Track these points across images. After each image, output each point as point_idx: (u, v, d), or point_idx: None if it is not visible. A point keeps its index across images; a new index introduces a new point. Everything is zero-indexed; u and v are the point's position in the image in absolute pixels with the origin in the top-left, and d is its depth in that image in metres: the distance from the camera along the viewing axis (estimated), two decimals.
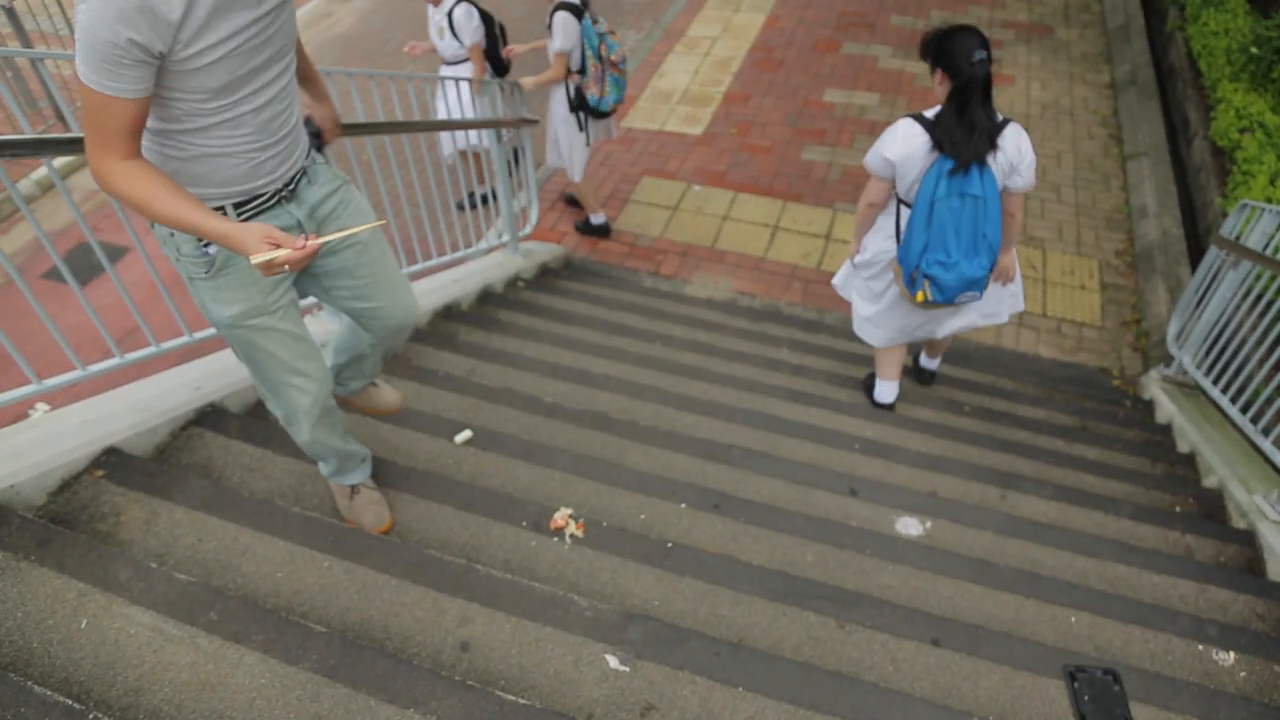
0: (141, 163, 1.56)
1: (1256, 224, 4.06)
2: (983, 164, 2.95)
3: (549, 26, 4.69)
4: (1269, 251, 3.97)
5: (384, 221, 1.87)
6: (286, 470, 2.50)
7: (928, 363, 4.21)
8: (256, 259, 1.50)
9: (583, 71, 4.85)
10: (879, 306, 3.57)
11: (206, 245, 1.77)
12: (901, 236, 3.21)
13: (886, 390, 3.96)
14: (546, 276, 5.26)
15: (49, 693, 1.55)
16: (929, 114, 3.03)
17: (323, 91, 2.19)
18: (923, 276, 3.13)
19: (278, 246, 1.52)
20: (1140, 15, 8.47)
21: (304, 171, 1.91)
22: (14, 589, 1.84)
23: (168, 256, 1.84)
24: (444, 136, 5.23)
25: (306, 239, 1.55)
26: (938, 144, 2.96)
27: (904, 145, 3.03)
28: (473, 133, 5.08)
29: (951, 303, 3.19)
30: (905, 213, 3.21)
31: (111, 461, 2.30)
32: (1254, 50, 5.96)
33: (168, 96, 1.53)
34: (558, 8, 4.61)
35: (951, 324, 3.58)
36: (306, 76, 2.12)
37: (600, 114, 5.05)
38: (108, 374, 2.52)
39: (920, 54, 3.05)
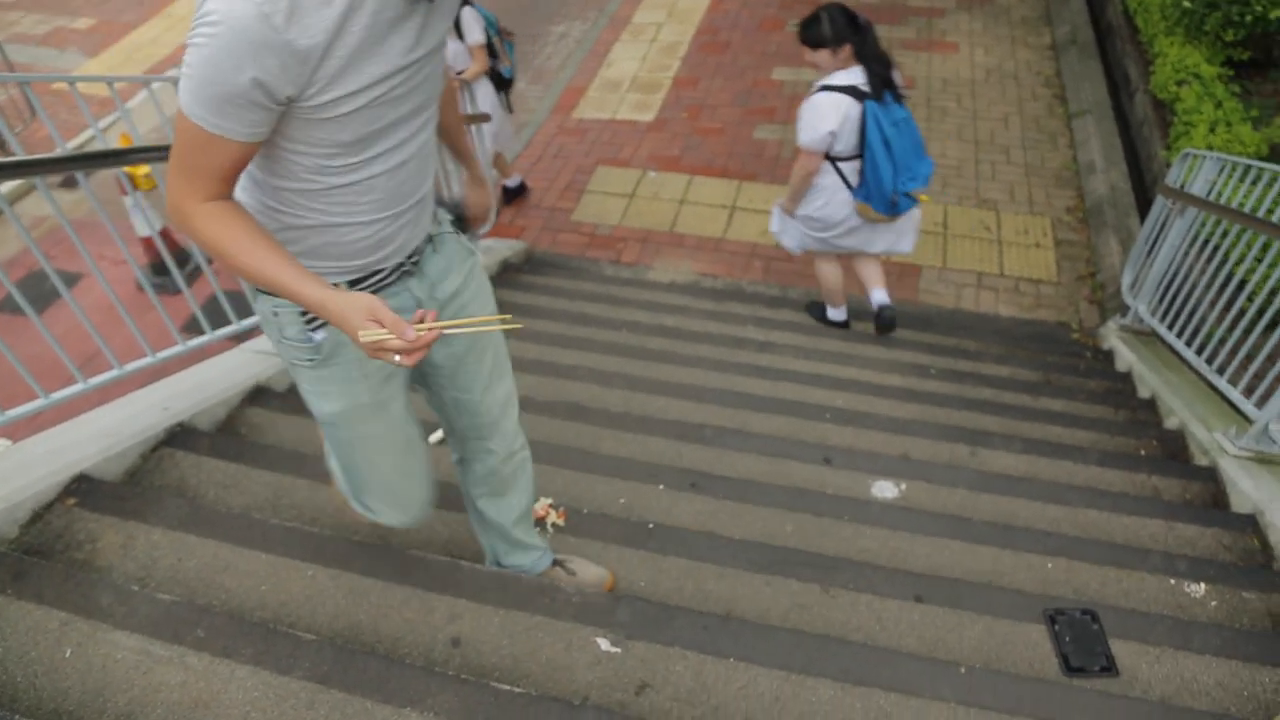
0: (230, 204, 1.33)
1: (1199, 171, 4.16)
2: (895, 94, 3.69)
3: (456, 26, 4.81)
4: (1212, 197, 4.07)
5: (520, 325, 1.53)
6: (262, 484, 2.49)
7: (881, 296, 4.48)
8: (366, 336, 1.27)
9: (494, 54, 5.08)
10: (828, 236, 4.17)
11: (313, 328, 1.53)
12: (858, 181, 3.84)
13: (839, 312, 4.67)
14: (508, 272, 5.25)
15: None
16: (835, 81, 3.73)
17: (473, 165, 1.96)
18: (902, 195, 3.78)
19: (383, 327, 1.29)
20: None
21: (429, 239, 1.65)
22: None
23: (269, 337, 1.61)
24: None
25: (422, 321, 1.31)
26: (861, 96, 3.63)
27: (836, 113, 3.67)
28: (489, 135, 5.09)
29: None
30: (844, 167, 3.85)
31: (82, 489, 2.27)
32: (1186, 4, 6.08)
33: (287, 148, 1.31)
34: (465, 3, 4.80)
35: (881, 242, 4.18)
36: (451, 131, 1.86)
37: (510, 82, 5.33)
38: (72, 401, 2.50)
39: (814, 42, 3.76)
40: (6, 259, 5.83)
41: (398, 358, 1.28)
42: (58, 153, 2.46)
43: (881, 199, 3.78)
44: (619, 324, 4.46)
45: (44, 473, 2.23)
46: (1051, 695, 1.99)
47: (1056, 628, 2.29)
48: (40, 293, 5.20)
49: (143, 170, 4.90)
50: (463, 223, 1.86)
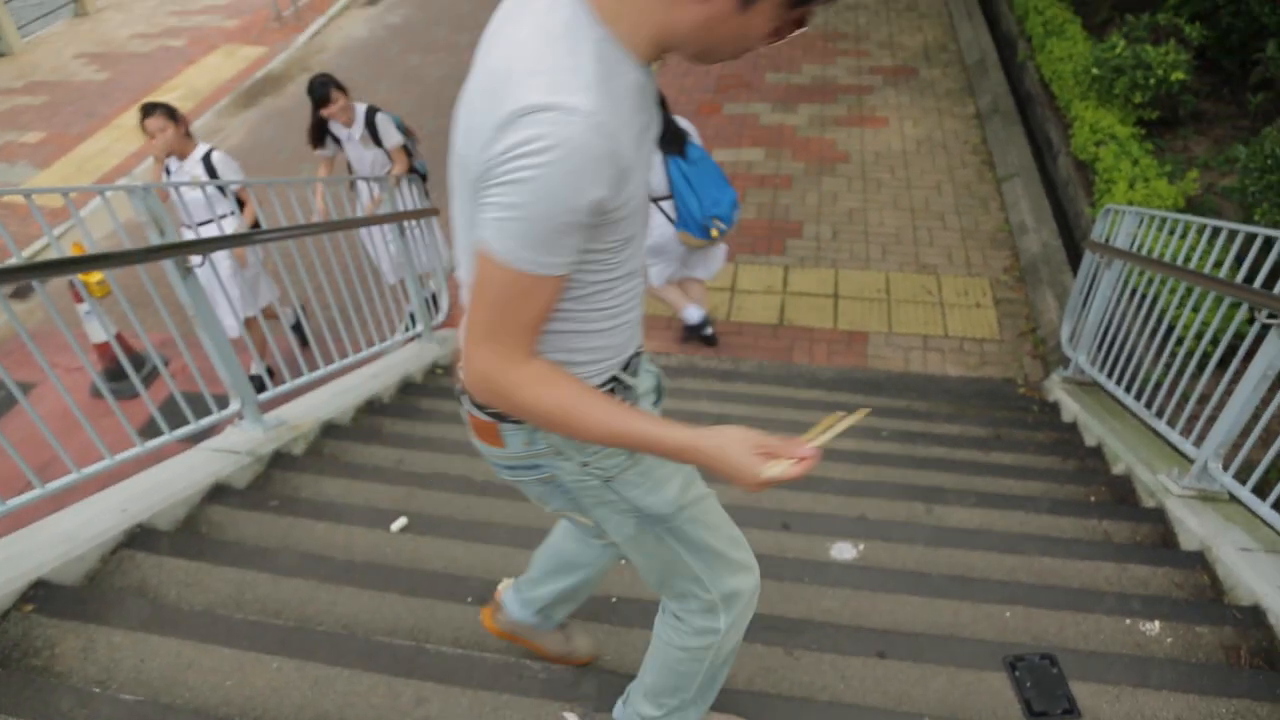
0: (549, 364, 1.22)
1: (1120, 225, 4.38)
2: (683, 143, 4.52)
3: (372, 133, 5.14)
4: (1135, 248, 4.28)
5: (869, 410, 1.46)
6: (224, 580, 2.49)
7: (697, 314, 5.43)
8: (769, 471, 1.18)
9: (410, 153, 5.39)
10: (671, 263, 4.99)
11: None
12: (676, 216, 4.66)
13: (693, 311, 5.39)
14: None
15: None
16: None
17: None
18: (711, 219, 4.55)
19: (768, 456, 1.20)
20: (993, 50, 9.08)
21: None
22: None
23: (558, 472, 1.47)
24: (386, 266, 5.32)
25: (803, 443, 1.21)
26: (660, 149, 4.49)
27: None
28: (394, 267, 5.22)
29: (727, 231, 4.64)
30: (664, 205, 4.68)
31: (40, 594, 2.26)
32: (1094, 71, 6.45)
33: (583, 261, 1.20)
34: (371, 113, 5.15)
35: (700, 268, 5.09)
36: None
37: (425, 177, 5.65)
38: (30, 507, 2.49)
39: None
40: None
41: (772, 468, 1.20)
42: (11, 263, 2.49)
43: (696, 226, 4.62)
44: None
45: (1, 580, 2.22)
46: None
47: (1017, 674, 2.34)
48: None
49: (95, 277, 4.93)
50: None
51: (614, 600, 2.51)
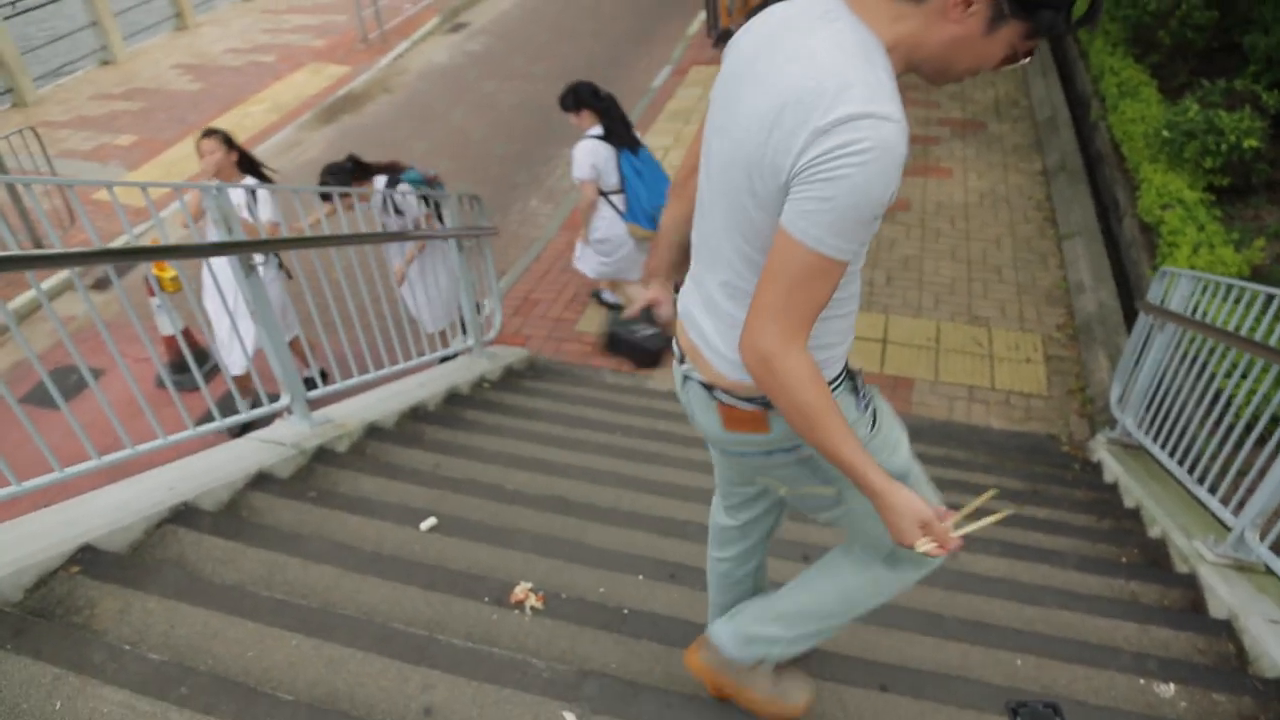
0: (816, 365, 1.36)
1: (1176, 288, 4.34)
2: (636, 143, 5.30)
3: (396, 209, 5.11)
4: (1189, 312, 4.24)
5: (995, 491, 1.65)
6: (257, 560, 2.61)
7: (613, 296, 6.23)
8: (921, 547, 1.40)
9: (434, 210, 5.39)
10: (611, 260, 5.61)
11: (865, 406, 1.62)
12: (626, 208, 5.33)
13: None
14: (511, 377, 5.44)
15: None
16: (593, 134, 5.24)
17: None
18: (658, 209, 4.97)
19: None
20: (1065, 108, 9.04)
21: None
22: None
23: (789, 443, 1.61)
24: (426, 317, 5.29)
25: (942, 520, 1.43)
26: (615, 144, 5.21)
27: (598, 154, 5.20)
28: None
29: None
30: (614, 199, 5.33)
31: (86, 558, 2.40)
32: (1165, 134, 6.40)
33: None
34: (392, 183, 5.13)
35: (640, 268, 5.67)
36: None
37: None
38: (87, 477, 2.65)
39: (565, 107, 5.27)
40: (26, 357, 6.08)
41: (924, 544, 1.42)
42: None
43: (645, 217, 5.22)
44: (615, 427, 4.60)
45: (51, 542, 2.37)
46: None
47: (1018, 718, 2.33)
48: (65, 386, 5.46)
49: (169, 273, 5.18)
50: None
51: (626, 612, 2.57)
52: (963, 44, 1.29)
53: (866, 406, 1.63)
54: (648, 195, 5.24)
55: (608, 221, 5.43)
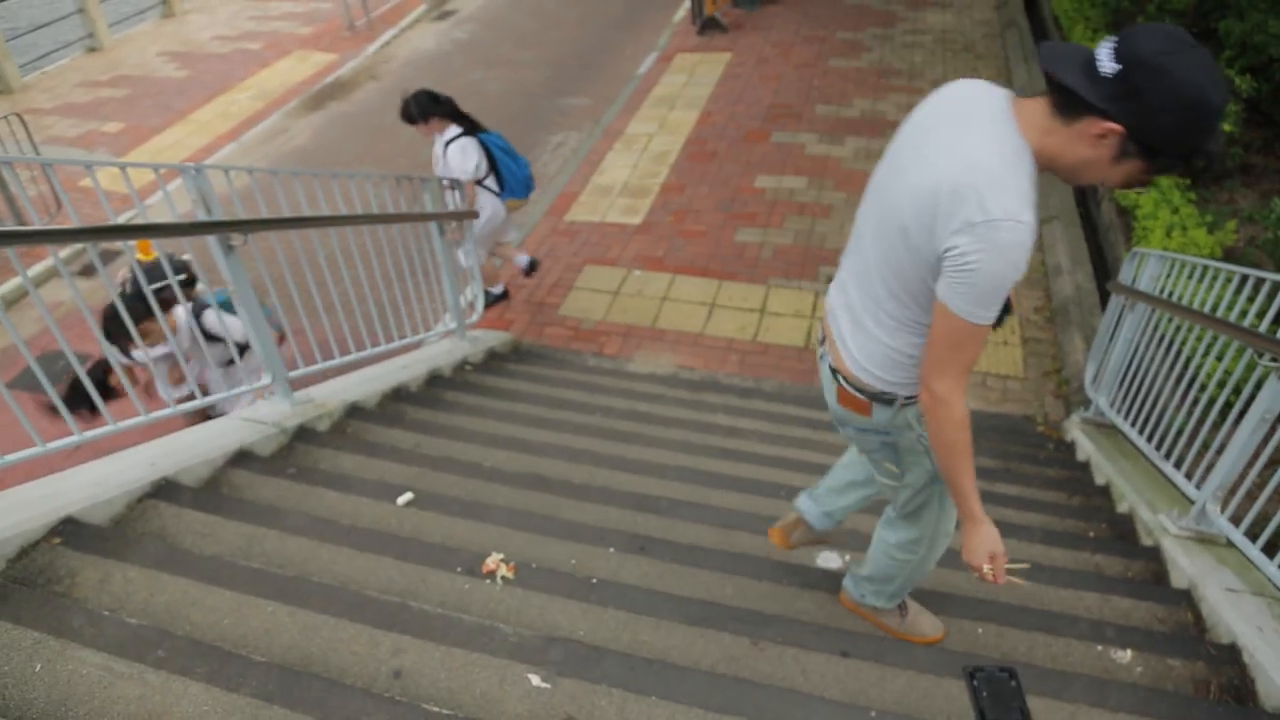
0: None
1: (1145, 268, 4.41)
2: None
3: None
4: (1159, 292, 4.31)
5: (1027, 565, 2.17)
6: (236, 533, 2.67)
7: (525, 258, 6.43)
8: (982, 566, 1.91)
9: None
10: (490, 238, 5.88)
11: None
12: (501, 187, 5.61)
13: (522, 258, 6.35)
14: (494, 360, 5.50)
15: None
16: (455, 134, 5.42)
17: None
18: (529, 176, 5.73)
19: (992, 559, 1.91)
20: None
21: None
22: None
23: (899, 438, 2.05)
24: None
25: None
26: (476, 134, 5.49)
27: (474, 151, 5.42)
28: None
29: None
30: (488, 183, 5.57)
31: (68, 530, 2.46)
32: None
33: None
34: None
35: (513, 231, 6.36)
36: None
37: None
38: (70, 455, 2.70)
39: (415, 118, 5.34)
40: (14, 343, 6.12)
41: (987, 568, 1.91)
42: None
43: (521, 186, 5.58)
44: (594, 409, 4.67)
45: (34, 514, 2.43)
46: None
47: (975, 683, 2.40)
48: (53, 371, 5.49)
49: (151, 257, 5.21)
50: None
51: (594, 582, 2.64)
52: (1092, 165, 1.56)
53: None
54: (516, 166, 5.57)
55: (488, 208, 5.57)
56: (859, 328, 1.96)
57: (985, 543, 1.90)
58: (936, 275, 1.66)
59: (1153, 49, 1.41)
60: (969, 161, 1.55)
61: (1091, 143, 1.51)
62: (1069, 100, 1.51)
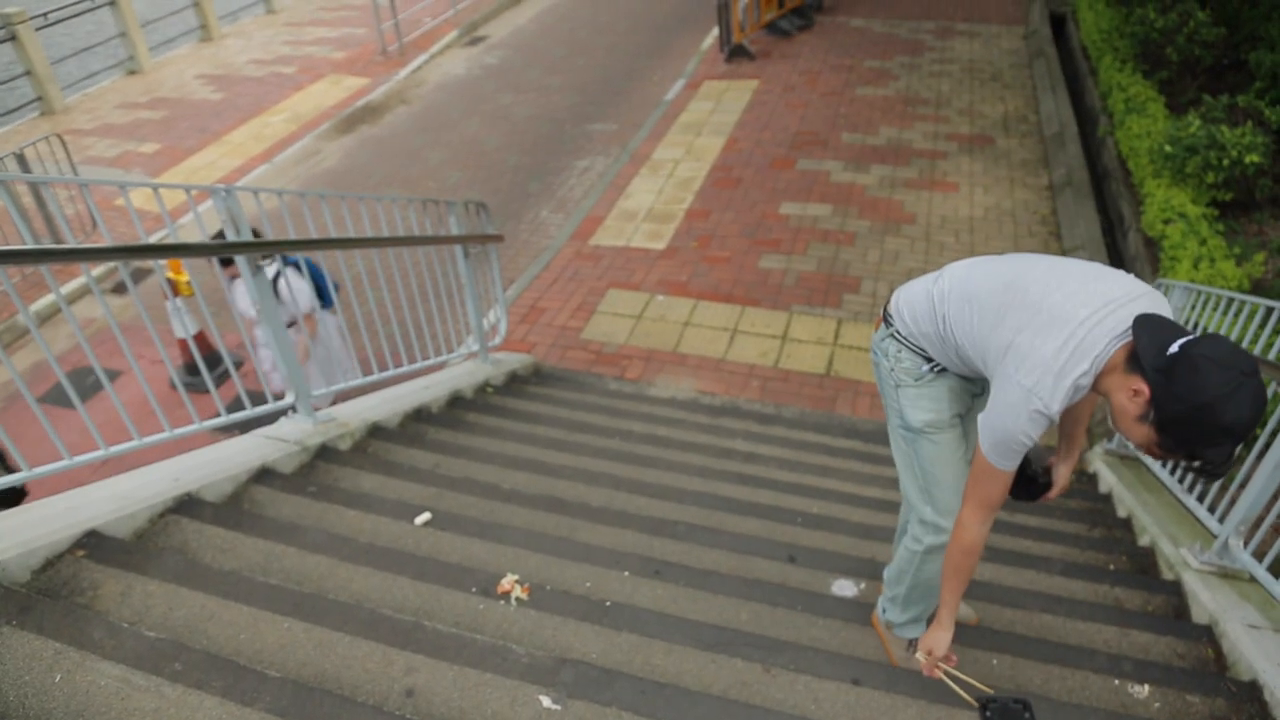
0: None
1: (1169, 299, 4.39)
2: None
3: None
4: (1183, 323, 4.28)
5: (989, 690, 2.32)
6: (255, 549, 2.71)
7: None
8: (920, 655, 2.31)
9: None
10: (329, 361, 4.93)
11: (929, 365, 2.24)
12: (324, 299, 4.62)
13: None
14: (515, 383, 5.54)
15: None
16: (271, 270, 4.23)
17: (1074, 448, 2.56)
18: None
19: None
20: (1074, 123, 9.08)
21: None
22: None
23: (880, 361, 2.36)
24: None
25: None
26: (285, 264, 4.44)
27: (306, 279, 4.28)
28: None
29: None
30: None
31: (92, 543, 2.51)
32: (1168, 149, 6.44)
33: None
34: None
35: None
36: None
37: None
38: (98, 470, 2.76)
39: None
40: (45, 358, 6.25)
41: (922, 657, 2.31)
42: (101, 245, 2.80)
43: (330, 289, 4.61)
44: (614, 432, 4.69)
45: (59, 526, 2.48)
46: None
47: (988, 714, 2.39)
48: (82, 386, 5.61)
49: (184, 278, 5.32)
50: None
51: (608, 605, 2.65)
52: (1123, 415, 1.76)
53: (925, 365, 2.27)
54: (319, 271, 4.66)
55: (327, 325, 4.85)
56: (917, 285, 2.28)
57: (935, 637, 2.28)
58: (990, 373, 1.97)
59: (1205, 352, 1.58)
60: (1028, 345, 1.84)
61: (1129, 395, 1.72)
62: (1134, 356, 1.72)
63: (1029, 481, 2.36)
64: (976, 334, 2.01)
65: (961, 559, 2.13)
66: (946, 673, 2.27)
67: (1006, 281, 1.96)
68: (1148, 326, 1.70)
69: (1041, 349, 1.80)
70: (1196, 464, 1.69)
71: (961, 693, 2.21)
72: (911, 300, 2.26)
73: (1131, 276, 1.89)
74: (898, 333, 2.29)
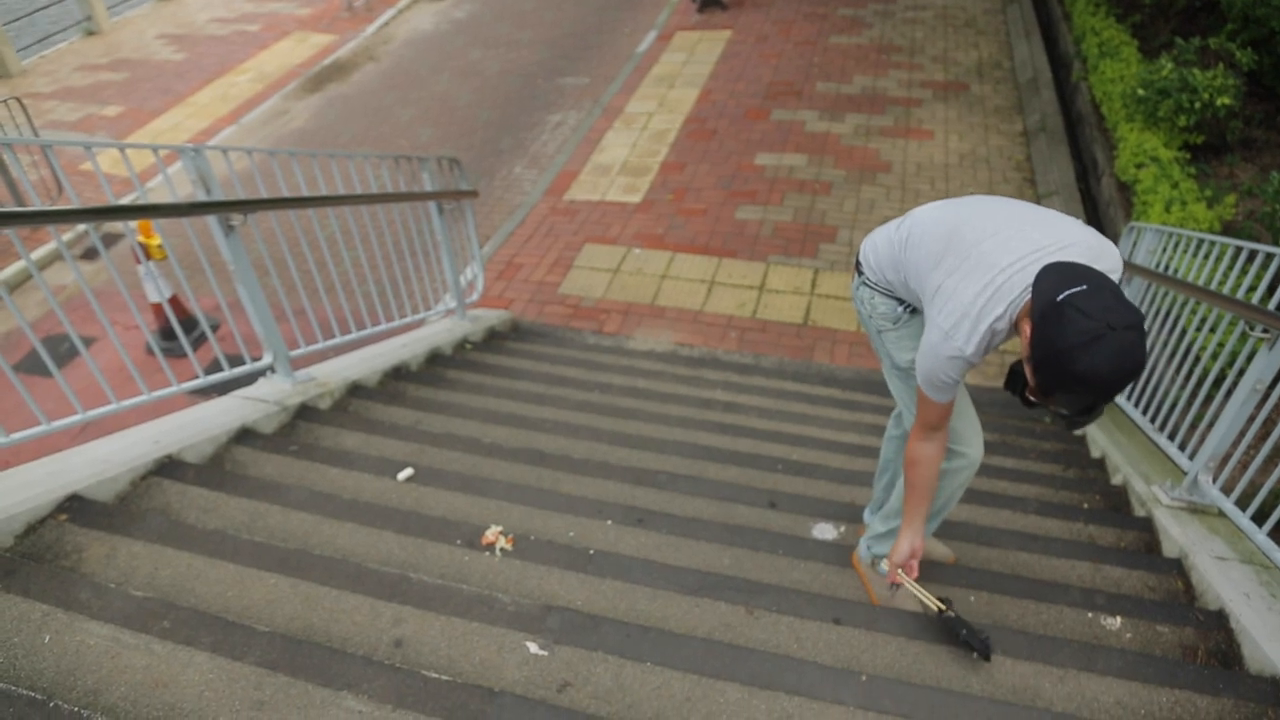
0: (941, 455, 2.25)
1: (1141, 243, 4.43)
2: None
3: None
4: (1156, 266, 4.33)
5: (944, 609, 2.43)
6: (239, 508, 2.71)
7: None
8: (892, 562, 2.40)
9: None
10: None
11: (902, 308, 2.30)
12: None
13: None
14: (494, 339, 5.53)
15: (13, 687, 1.75)
16: None
17: None
18: None
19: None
20: (1048, 69, 9.06)
21: None
22: None
23: (860, 309, 2.45)
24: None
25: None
26: None
27: None
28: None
29: None
30: None
31: (74, 507, 2.50)
32: (1140, 93, 6.45)
33: None
34: None
35: None
36: None
37: None
38: (74, 434, 2.75)
39: None
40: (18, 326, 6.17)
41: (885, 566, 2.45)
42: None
43: None
44: (593, 385, 4.71)
45: (40, 491, 2.47)
46: (948, 702, 2.15)
47: (950, 612, 2.43)
48: (57, 353, 5.55)
49: (155, 241, 5.25)
50: None
51: (592, 553, 2.68)
52: (1022, 356, 1.77)
53: (909, 316, 2.33)
54: None
55: None
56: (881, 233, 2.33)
57: (900, 547, 2.36)
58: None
59: (1077, 302, 1.60)
60: (953, 288, 1.90)
61: (1024, 338, 1.73)
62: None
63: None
64: (920, 275, 2.07)
65: (909, 471, 2.26)
66: (908, 583, 2.40)
67: (950, 227, 2.00)
68: (1051, 274, 1.70)
69: (963, 294, 1.84)
70: (1062, 412, 1.72)
71: (922, 596, 2.37)
72: (876, 247, 2.30)
73: (1080, 224, 1.90)
74: (868, 280, 2.35)
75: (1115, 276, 1.80)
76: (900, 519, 2.64)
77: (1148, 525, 3.40)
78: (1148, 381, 4.10)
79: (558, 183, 7.84)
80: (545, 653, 2.16)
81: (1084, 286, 1.62)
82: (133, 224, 5.18)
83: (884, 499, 2.90)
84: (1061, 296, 1.62)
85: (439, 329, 5.21)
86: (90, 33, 12.18)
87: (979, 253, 1.86)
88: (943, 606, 2.42)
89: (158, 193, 7.53)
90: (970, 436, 2.49)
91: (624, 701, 2.07)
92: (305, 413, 3.64)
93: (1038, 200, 7.10)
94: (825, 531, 3.16)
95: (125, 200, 7.44)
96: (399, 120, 9.34)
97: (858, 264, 2.42)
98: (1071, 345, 1.58)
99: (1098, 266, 1.71)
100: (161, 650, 1.96)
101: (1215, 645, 2.64)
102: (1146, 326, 4.13)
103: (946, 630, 2.42)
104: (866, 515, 3.03)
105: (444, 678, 1.95)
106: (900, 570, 2.38)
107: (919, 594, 2.39)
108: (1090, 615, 2.72)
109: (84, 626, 2.01)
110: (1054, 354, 1.62)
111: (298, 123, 9.55)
